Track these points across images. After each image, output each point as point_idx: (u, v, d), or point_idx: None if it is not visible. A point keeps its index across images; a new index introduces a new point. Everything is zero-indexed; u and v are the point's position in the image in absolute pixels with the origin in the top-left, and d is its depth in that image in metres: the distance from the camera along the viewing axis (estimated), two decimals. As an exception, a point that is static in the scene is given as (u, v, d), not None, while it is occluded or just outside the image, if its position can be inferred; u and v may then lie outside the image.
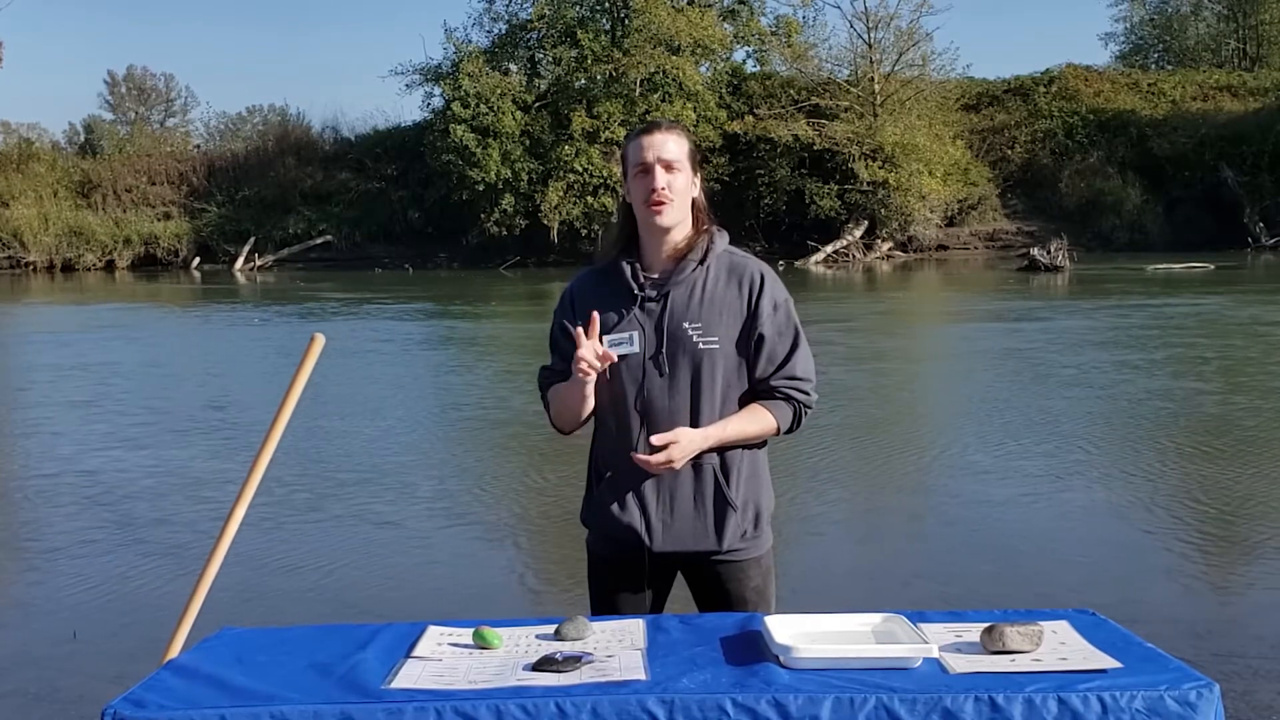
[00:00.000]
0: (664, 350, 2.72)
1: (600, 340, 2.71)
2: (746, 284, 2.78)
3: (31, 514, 7.34)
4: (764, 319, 2.76)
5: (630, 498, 2.75)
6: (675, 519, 2.74)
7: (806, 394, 2.80)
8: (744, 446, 2.78)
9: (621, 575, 2.82)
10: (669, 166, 2.75)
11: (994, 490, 7.40)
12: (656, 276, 2.79)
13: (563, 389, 2.81)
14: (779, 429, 2.78)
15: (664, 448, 2.67)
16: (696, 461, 2.73)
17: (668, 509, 2.74)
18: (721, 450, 2.75)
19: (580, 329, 2.68)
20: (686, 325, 2.73)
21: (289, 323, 21.03)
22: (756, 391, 2.78)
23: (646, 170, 2.75)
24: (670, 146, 2.76)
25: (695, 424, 2.71)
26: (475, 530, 6.81)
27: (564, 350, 2.82)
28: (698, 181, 2.84)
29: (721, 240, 2.84)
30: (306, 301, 25.59)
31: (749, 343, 2.77)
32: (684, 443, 2.67)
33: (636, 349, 2.73)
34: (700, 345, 2.72)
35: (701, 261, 2.78)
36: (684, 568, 2.84)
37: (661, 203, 2.74)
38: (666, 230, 2.77)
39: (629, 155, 2.80)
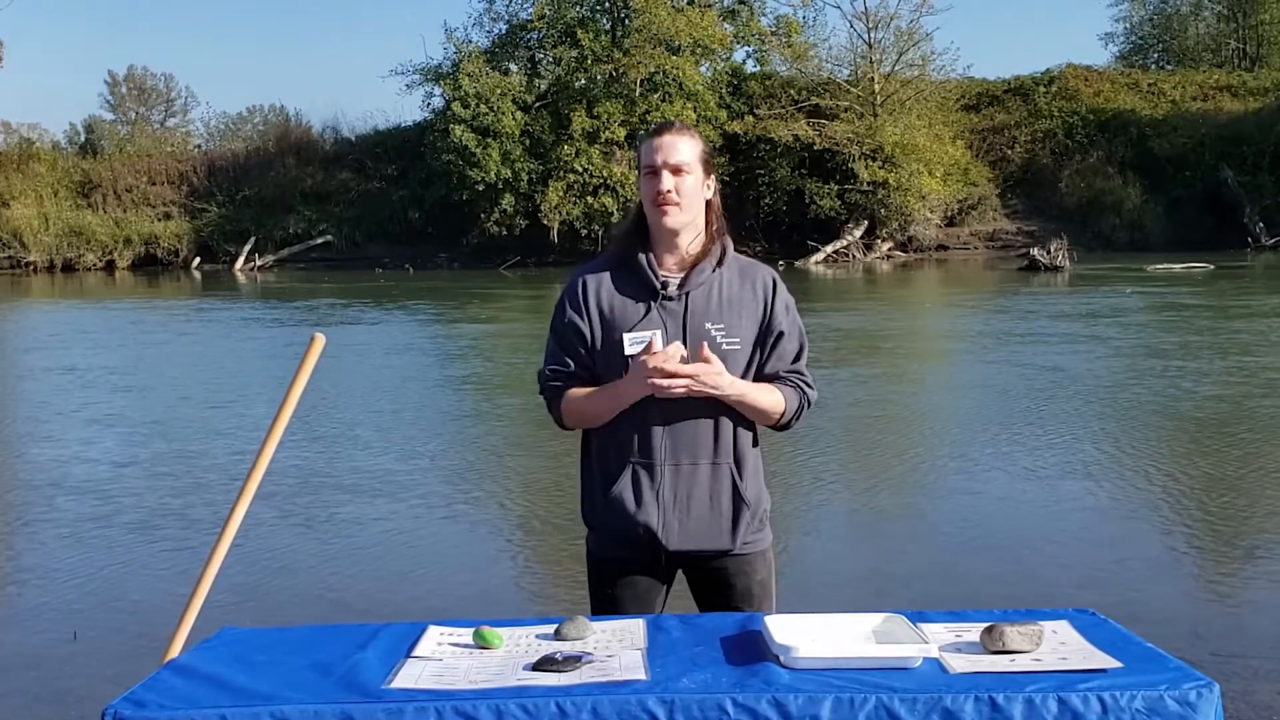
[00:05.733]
0: (688, 348, 2.74)
1: (621, 338, 2.74)
2: (760, 286, 2.84)
3: (31, 515, 7.34)
4: (780, 319, 2.83)
5: (645, 496, 2.75)
6: (691, 518, 2.76)
7: (812, 389, 2.88)
8: (745, 433, 2.81)
9: (628, 576, 2.82)
10: (677, 170, 2.79)
11: (994, 490, 7.40)
12: (673, 275, 2.82)
13: (599, 397, 2.78)
14: (783, 414, 2.82)
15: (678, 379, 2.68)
16: (714, 460, 2.76)
17: (684, 508, 2.76)
18: (734, 450, 2.78)
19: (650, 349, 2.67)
20: (709, 326, 2.77)
21: (305, 323, 21.03)
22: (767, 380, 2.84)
23: (655, 172, 2.79)
24: (680, 149, 2.80)
25: (715, 421, 2.75)
26: (476, 530, 6.82)
27: (575, 350, 2.82)
28: (710, 183, 2.88)
29: (730, 244, 2.89)
30: (314, 299, 25.60)
31: (764, 342, 2.82)
32: (715, 369, 2.68)
33: (659, 348, 2.74)
34: (724, 345, 2.76)
35: (719, 264, 2.82)
36: (689, 566, 2.85)
37: (667, 204, 2.78)
38: (675, 231, 2.82)
39: (640, 156, 2.85)
